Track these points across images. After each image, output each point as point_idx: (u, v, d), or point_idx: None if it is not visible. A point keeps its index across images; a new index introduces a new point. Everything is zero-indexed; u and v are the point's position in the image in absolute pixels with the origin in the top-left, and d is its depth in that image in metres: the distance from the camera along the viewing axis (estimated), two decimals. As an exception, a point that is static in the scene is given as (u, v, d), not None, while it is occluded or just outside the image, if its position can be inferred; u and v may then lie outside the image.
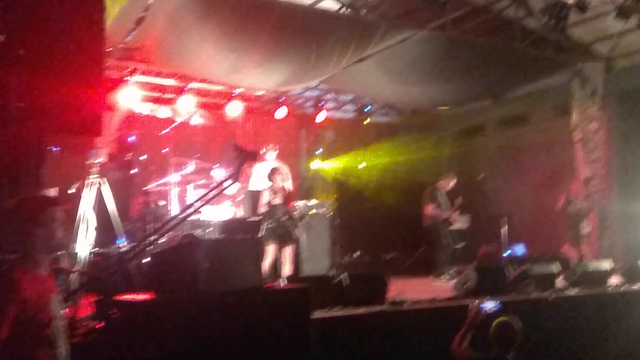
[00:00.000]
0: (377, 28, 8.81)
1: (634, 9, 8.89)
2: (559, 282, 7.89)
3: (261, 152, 10.34)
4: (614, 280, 8.25)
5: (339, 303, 5.98)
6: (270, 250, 8.25)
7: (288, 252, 8.44)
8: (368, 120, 14.03)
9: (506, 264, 8.52)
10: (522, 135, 13.07)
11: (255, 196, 9.44)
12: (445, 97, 11.90)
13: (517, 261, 9.85)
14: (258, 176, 9.98)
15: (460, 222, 10.78)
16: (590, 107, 10.82)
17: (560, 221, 10.77)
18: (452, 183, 9.92)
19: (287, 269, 8.40)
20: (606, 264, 8.27)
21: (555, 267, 7.84)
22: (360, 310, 5.98)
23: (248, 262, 4.86)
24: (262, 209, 8.51)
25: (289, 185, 8.90)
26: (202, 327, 4.30)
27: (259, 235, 8.32)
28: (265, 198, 8.48)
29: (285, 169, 9.21)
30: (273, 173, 8.63)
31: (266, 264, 8.04)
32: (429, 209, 9.67)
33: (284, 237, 8.40)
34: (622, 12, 8.76)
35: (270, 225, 8.33)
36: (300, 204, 9.67)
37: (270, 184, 8.62)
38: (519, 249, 11.36)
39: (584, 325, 7.03)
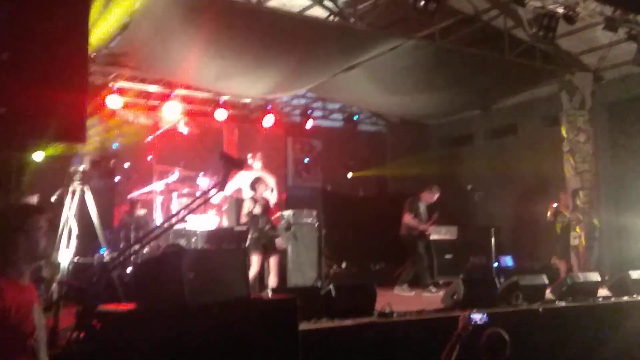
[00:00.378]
0: (366, 36, 8.77)
1: (622, 21, 8.93)
2: (548, 293, 7.84)
3: (248, 160, 10.23)
4: (603, 292, 8.21)
5: (327, 314, 5.89)
6: (255, 260, 8.13)
7: (273, 262, 8.32)
8: (356, 128, 14.01)
9: (495, 275, 8.46)
10: (511, 146, 13.09)
11: (241, 205, 9.33)
12: (434, 106, 11.88)
13: (506, 272, 9.81)
14: (241, 184, 9.87)
15: (438, 234, 10.76)
16: (579, 118, 10.84)
17: (549, 232, 10.77)
18: (435, 196, 9.87)
19: (272, 280, 8.28)
20: (595, 276, 8.22)
21: (544, 279, 7.79)
22: (348, 322, 5.88)
23: (234, 273, 4.75)
24: (244, 218, 8.41)
25: (274, 195, 8.79)
26: (187, 338, 4.18)
27: (245, 245, 8.20)
28: (246, 208, 8.37)
29: (270, 179, 9.10)
30: (256, 182, 8.53)
31: (251, 274, 7.92)
32: (407, 218, 9.62)
33: (267, 247, 8.29)
34: (610, 24, 8.79)
35: (253, 236, 8.22)
36: (287, 213, 9.56)
37: (252, 193, 8.51)
38: (508, 261, 11.33)
39: (573, 337, 6.98)
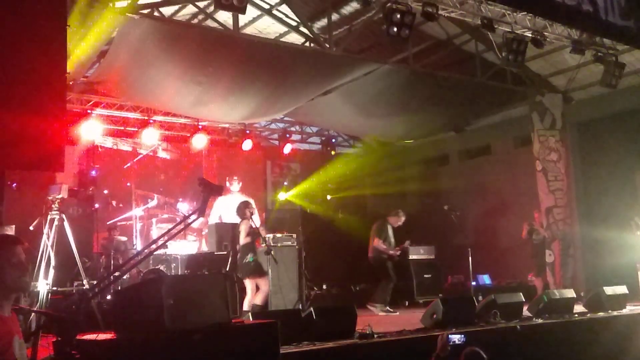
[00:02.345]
0: (341, 62, 8.91)
1: (588, 44, 9.20)
2: (525, 311, 7.93)
3: (225, 184, 10.22)
4: (579, 308, 8.32)
5: (308, 337, 5.90)
6: (251, 285, 7.99)
7: (264, 283, 8.17)
8: (334, 152, 14.13)
9: (473, 294, 8.53)
10: (486, 166, 13.30)
11: (221, 229, 9.31)
12: (409, 129, 12.05)
13: (484, 291, 9.91)
14: (222, 209, 9.82)
15: (416, 254, 10.90)
16: (550, 138, 11.07)
17: (524, 250, 10.91)
18: (401, 220, 10.05)
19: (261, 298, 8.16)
20: (570, 292, 8.34)
21: (521, 296, 7.88)
22: (330, 344, 5.90)
23: (214, 298, 4.75)
24: (244, 241, 8.20)
25: (256, 217, 8.73)
26: (168, 366, 4.17)
27: (226, 270, 8.16)
28: (244, 231, 8.17)
29: (251, 201, 9.05)
30: (247, 206, 8.35)
31: (247, 299, 7.90)
32: (377, 243, 9.75)
33: (261, 270, 8.17)
34: (577, 47, 9.05)
35: (252, 259, 8.04)
36: (267, 236, 9.55)
37: (239, 216, 8.36)
38: (485, 279, 11.45)
39: (551, 353, 7.04)
